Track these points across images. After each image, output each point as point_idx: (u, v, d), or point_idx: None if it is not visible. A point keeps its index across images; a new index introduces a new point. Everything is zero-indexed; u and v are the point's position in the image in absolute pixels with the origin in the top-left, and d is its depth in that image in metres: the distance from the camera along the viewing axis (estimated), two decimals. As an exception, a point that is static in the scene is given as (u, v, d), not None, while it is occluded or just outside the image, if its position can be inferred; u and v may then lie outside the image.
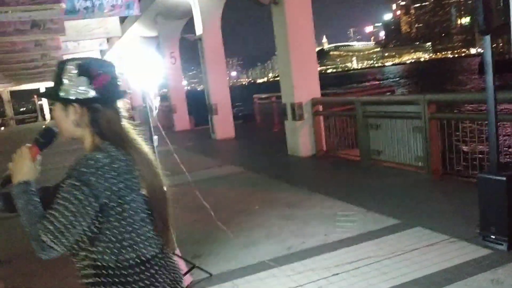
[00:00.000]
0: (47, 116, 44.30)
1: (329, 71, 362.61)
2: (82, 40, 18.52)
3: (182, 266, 3.51)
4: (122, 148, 1.38)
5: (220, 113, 12.55)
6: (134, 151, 1.40)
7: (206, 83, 12.91)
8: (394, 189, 5.55)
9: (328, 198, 5.39)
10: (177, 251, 3.55)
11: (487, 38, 3.30)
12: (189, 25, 14.61)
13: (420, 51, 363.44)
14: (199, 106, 15.62)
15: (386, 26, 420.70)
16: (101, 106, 1.40)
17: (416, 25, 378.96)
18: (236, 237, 4.41)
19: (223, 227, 4.49)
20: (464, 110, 9.11)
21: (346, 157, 7.76)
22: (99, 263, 1.36)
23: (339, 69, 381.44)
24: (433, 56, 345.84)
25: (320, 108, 8.40)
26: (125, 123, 1.47)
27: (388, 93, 10.06)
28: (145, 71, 3.42)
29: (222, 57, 12.89)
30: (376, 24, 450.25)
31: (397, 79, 78.82)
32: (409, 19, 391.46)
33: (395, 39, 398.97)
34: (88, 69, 1.38)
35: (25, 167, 1.38)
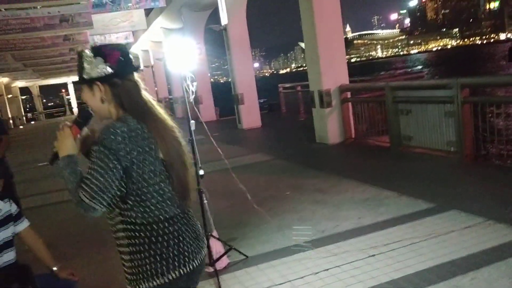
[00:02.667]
0: (75, 109, 45.27)
1: (353, 60, 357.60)
2: (108, 33, 18.81)
3: (220, 248, 3.59)
4: (140, 118, 1.57)
5: (246, 103, 12.61)
6: (152, 120, 1.59)
7: (232, 72, 12.96)
8: (426, 174, 5.50)
9: (359, 183, 5.38)
10: (214, 233, 3.63)
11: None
12: (214, 16, 14.66)
13: (447, 38, 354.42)
14: (223, 97, 15.69)
15: (411, 13, 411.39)
16: (119, 80, 1.59)
17: (442, 11, 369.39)
18: (270, 221, 4.46)
19: (261, 209, 4.55)
20: (497, 94, 8.91)
21: (376, 143, 7.70)
22: (128, 219, 1.55)
23: (363, 58, 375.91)
24: (461, 43, 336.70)
25: (348, 95, 8.34)
26: (146, 95, 1.65)
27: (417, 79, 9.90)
28: (183, 58, 3.48)
29: (248, 47, 12.91)
30: (401, 11, 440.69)
31: (423, 67, 77.13)
32: (435, 5, 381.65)
33: (421, 26, 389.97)
34: (101, 50, 1.59)
35: (68, 143, 1.59)
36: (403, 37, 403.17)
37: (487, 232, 3.55)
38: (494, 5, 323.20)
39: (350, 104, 8.30)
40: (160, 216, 1.56)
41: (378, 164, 6.45)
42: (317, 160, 7.48)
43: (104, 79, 1.58)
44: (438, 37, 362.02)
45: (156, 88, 26.41)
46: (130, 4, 13.54)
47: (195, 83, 3.53)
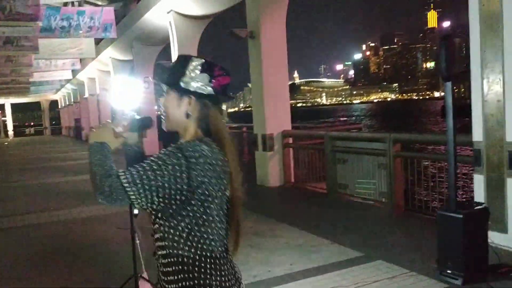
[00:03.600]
0: (10, 133, 42.97)
1: (299, 105, 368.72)
2: (54, 58, 18.35)
3: (149, 289, 3.51)
4: (221, 147, 1.47)
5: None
6: (230, 152, 1.48)
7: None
8: (358, 222, 5.72)
9: (294, 229, 5.50)
10: (145, 274, 3.55)
11: (449, 84, 3.57)
12: (166, 51, 14.77)
13: (387, 91, 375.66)
14: (168, 132, 15.58)
15: (356, 65, 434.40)
16: (212, 104, 1.50)
17: (384, 66, 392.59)
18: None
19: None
20: (426, 150, 9.52)
21: (314, 189, 7.93)
22: (168, 243, 1.42)
23: (309, 104, 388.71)
24: (399, 97, 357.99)
25: (290, 140, 8.61)
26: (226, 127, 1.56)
27: (355, 130, 10.43)
28: (126, 94, 3.50)
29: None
30: (346, 63, 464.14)
31: (364, 117, 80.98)
32: (378, 60, 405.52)
33: (364, 78, 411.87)
34: (212, 68, 1.49)
35: (105, 134, 1.49)
36: (347, 87, 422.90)
37: (409, 284, 3.74)
38: (430, 65, 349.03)
39: (291, 149, 8.55)
40: (204, 252, 1.42)
41: (314, 210, 6.63)
42: (257, 202, 7.55)
43: (199, 96, 1.48)
44: (379, 90, 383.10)
45: (100, 117, 25.83)
46: (80, 32, 13.35)
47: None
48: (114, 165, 1.39)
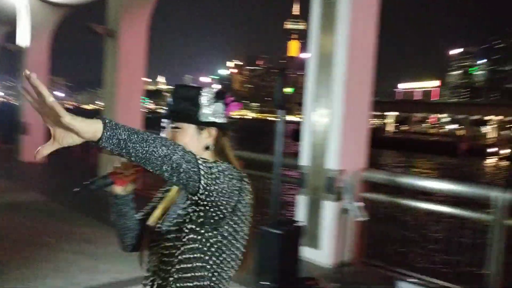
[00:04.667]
0: None
1: (161, 111, 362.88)
2: None
3: None
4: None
5: (32, 133, 11.51)
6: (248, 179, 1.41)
7: (20, 98, 11.83)
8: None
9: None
10: None
11: (281, 112, 3.94)
12: (10, 36, 13.33)
13: (247, 109, 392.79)
14: (12, 121, 14.04)
15: (221, 80, 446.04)
16: (223, 133, 1.45)
17: (246, 85, 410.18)
18: (19, 271, 4.09)
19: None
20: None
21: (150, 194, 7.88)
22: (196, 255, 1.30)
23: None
24: (258, 116, 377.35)
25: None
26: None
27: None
28: None
29: (46, 75, 12.02)
30: (213, 76, 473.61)
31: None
32: (242, 78, 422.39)
33: (228, 93, 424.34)
34: (224, 96, 1.45)
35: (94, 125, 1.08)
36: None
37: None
38: (288, 90, 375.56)
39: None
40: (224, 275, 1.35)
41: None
42: (94, 206, 7.22)
43: (219, 126, 1.43)
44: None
45: None
46: None
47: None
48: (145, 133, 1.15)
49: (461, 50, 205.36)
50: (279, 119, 3.96)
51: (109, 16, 8.42)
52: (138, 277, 4.06)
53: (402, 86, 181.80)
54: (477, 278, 4.22)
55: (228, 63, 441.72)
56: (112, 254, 4.74)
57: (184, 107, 1.41)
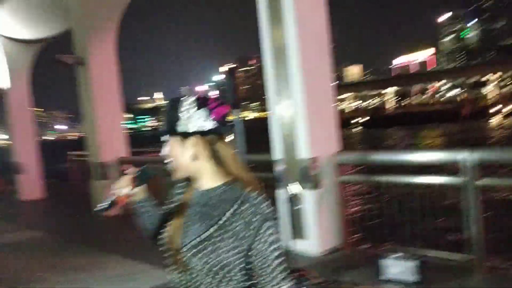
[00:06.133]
0: None
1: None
2: None
3: None
4: (241, 186, 1.41)
5: (27, 172, 11.63)
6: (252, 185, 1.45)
7: (11, 139, 11.94)
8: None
9: (119, 258, 5.43)
10: None
11: (235, 110, 3.96)
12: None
13: (247, 110, 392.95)
14: (7, 162, 14.20)
15: (217, 86, 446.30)
16: (217, 138, 1.42)
17: (243, 87, 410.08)
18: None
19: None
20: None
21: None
22: None
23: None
24: (259, 115, 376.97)
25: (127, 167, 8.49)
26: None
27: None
28: None
29: (29, 113, 12.10)
30: (210, 84, 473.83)
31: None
32: (236, 81, 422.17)
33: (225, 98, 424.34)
34: (206, 102, 1.41)
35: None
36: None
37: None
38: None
39: (129, 176, 8.43)
40: None
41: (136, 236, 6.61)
42: (88, 234, 7.29)
43: (202, 134, 1.40)
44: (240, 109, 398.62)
45: None
46: None
47: None
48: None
49: (450, 14, 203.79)
50: (237, 118, 3.98)
51: (76, 45, 8.48)
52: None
53: (397, 61, 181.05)
54: (461, 242, 4.20)
55: (221, 68, 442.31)
56: (99, 279, 4.79)
57: (166, 121, 1.43)
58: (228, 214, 1.37)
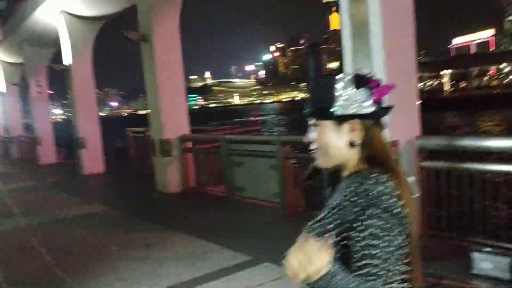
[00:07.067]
0: None
1: (212, 105, 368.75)
2: None
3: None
4: (390, 176, 1.16)
5: (89, 147, 11.99)
6: (400, 179, 1.18)
7: (73, 114, 12.32)
8: (251, 225, 5.80)
9: (187, 237, 5.43)
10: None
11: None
12: (60, 55, 13.89)
13: (296, 91, 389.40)
14: (71, 138, 14.77)
15: (266, 65, 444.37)
16: (373, 123, 1.22)
17: (292, 67, 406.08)
18: (83, 283, 4.21)
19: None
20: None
21: (213, 193, 7.92)
22: None
23: (222, 104, 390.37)
24: (305, 96, 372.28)
25: (189, 144, 8.51)
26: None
27: (254, 133, 10.65)
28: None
29: (92, 89, 12.43)
30: (257, 64, 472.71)
31: (274, 116, 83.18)
32: (286, 61, 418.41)
33: (273, 78, 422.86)
34: (368, 80, 1.22)
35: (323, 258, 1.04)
36: (258, 87, 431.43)
37: (293, 286, 3.84)
38: (335, 65, 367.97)
39: (191, 153, 8.46)
40: None
41: (210, 215, 6.61)
42: (153, 211, 7.39)
43: (362, 117, 1.20)
44: (288, 89, 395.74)
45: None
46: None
47: None
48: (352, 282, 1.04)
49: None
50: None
51: (140, 21, 8.49)
52: (200, 277, 4.04)
53: (456, 41, 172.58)
54: None
55: (271, 48, 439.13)
56: (172, 257, 4.78)
57: (317, 102, 1.24)
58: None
